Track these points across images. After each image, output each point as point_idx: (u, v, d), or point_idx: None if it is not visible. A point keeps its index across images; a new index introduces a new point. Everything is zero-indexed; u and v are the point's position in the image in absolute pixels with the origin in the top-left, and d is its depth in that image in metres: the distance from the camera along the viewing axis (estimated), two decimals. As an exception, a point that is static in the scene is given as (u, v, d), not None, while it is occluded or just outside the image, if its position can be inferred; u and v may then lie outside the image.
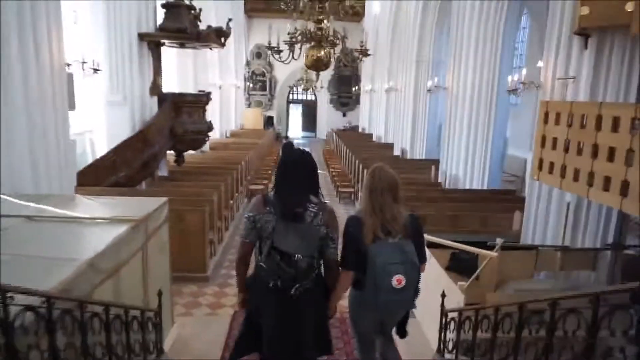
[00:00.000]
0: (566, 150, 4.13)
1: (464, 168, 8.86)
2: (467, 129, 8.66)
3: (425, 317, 4.87)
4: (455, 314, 3.62)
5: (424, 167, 10.75)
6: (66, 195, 4.69)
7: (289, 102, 27.74)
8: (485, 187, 8.52)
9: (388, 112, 16.44)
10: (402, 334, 2.54)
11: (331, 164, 14.65)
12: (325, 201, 2.20)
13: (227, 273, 6.35)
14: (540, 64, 6.66)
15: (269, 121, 24.90)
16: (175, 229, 5.91)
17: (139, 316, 3.15)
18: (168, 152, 9.12)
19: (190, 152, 12.10)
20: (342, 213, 10.25)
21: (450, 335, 3.63)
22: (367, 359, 2.56)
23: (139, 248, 3.45)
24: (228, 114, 18.85)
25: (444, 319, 3.70)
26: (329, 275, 2.29)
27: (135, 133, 7.82)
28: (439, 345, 3.81)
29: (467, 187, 8.68)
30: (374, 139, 18.82)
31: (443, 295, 3.75)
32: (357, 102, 26.01)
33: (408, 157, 13.05)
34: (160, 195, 7.58)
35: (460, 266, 5.04)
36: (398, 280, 2.05)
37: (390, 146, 15.10)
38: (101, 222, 3.28)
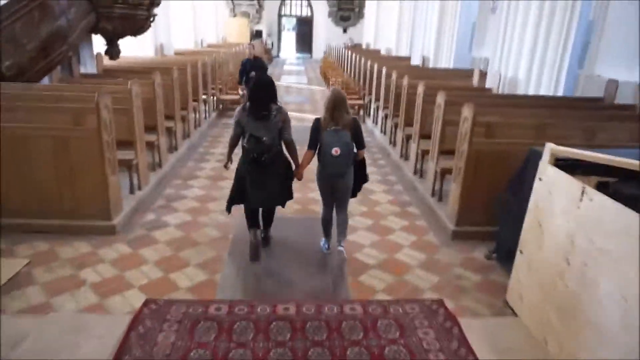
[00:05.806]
0: None
1: (528, 68, 6.07)
2: (538, 9, 5.77)
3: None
4: None
5: (459, 75, 7.89)
6: None
7: (280, 15, 23.92)
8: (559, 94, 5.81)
9: (402, 17, 13.22)
10: (354, 194, 3.51)
11: (332, 78, 11.71)
12: (281, 106, 3.25)
13: (156, 220, 3.64)
14: None
15: (257, 35, 21.28)
16: (51, 136, 3.19)
17: None
18: (96, 39, 6.21)
19: (145, 54, 9.15)
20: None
21: None
22: (325, 210, 3.49)
23: None
24: (205, 22, 15.39)
25: None
26: (288, 149, 3.37)
27: (25, -7, 4.88)
28: None
29: (532, 94, 5.95)
30: (383, 53, 15.66)
31: None
32: (361, 15, 22.33)
33: (430, 66, 10.09)
34: (71, 92, 4.83)
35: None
36: (335, 151, 3.11)
37: (405, 59, 12.05)
38: None
